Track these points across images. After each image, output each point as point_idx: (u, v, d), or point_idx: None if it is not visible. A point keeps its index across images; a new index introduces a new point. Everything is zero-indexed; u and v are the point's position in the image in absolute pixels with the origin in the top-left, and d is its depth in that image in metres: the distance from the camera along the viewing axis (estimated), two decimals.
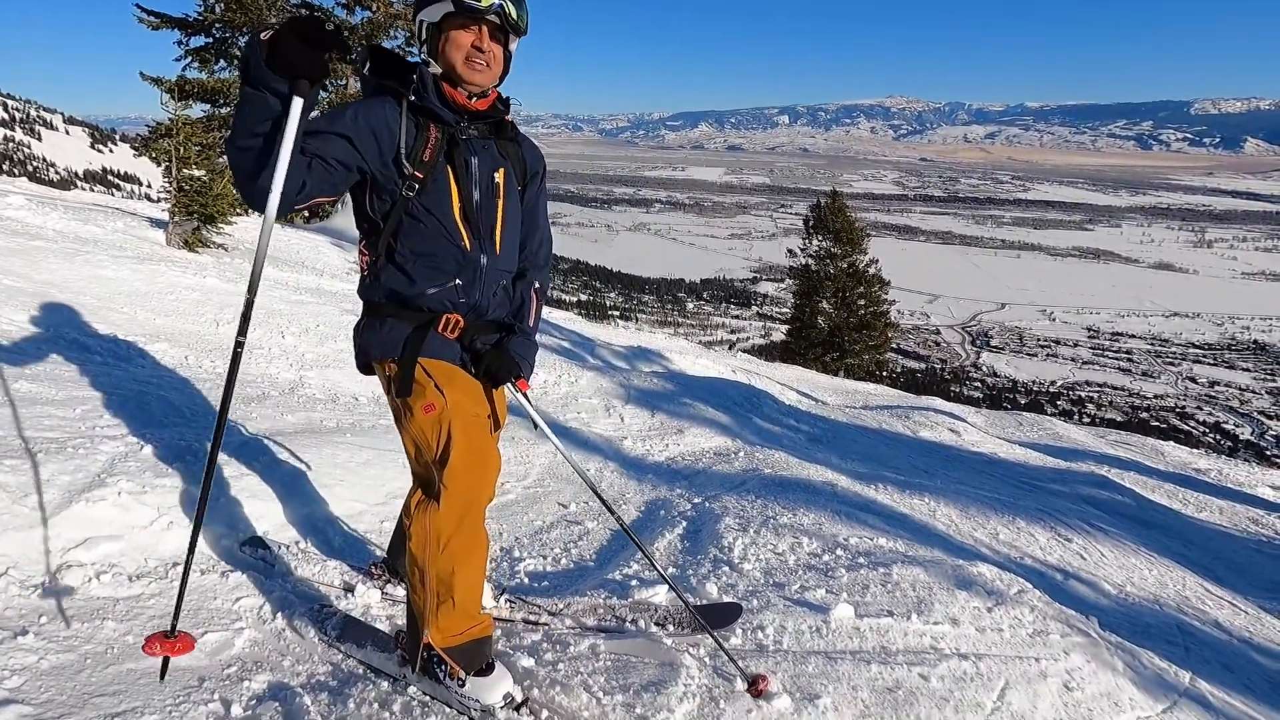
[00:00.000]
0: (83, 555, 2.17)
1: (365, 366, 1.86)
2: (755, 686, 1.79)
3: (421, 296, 1.76)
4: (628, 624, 2.12)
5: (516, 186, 1.89)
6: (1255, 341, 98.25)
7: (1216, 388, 79.83)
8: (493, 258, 1.82)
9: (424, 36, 1.75)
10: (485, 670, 1.73)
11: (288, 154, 1.50)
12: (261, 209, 1.55)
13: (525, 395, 1.91)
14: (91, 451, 2.64)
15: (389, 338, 1.77)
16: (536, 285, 1.99)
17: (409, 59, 1.83)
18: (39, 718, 1.58)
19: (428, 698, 1.78)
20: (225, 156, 1.61)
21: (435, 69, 1.75)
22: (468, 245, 1.77)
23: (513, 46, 1.80)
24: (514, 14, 1.71)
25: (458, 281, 1.77)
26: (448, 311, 1.79)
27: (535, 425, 1.94)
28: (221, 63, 15.70)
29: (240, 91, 1.52)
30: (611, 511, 2.05)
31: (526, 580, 2.69)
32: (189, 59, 15.44)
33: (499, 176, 1.82)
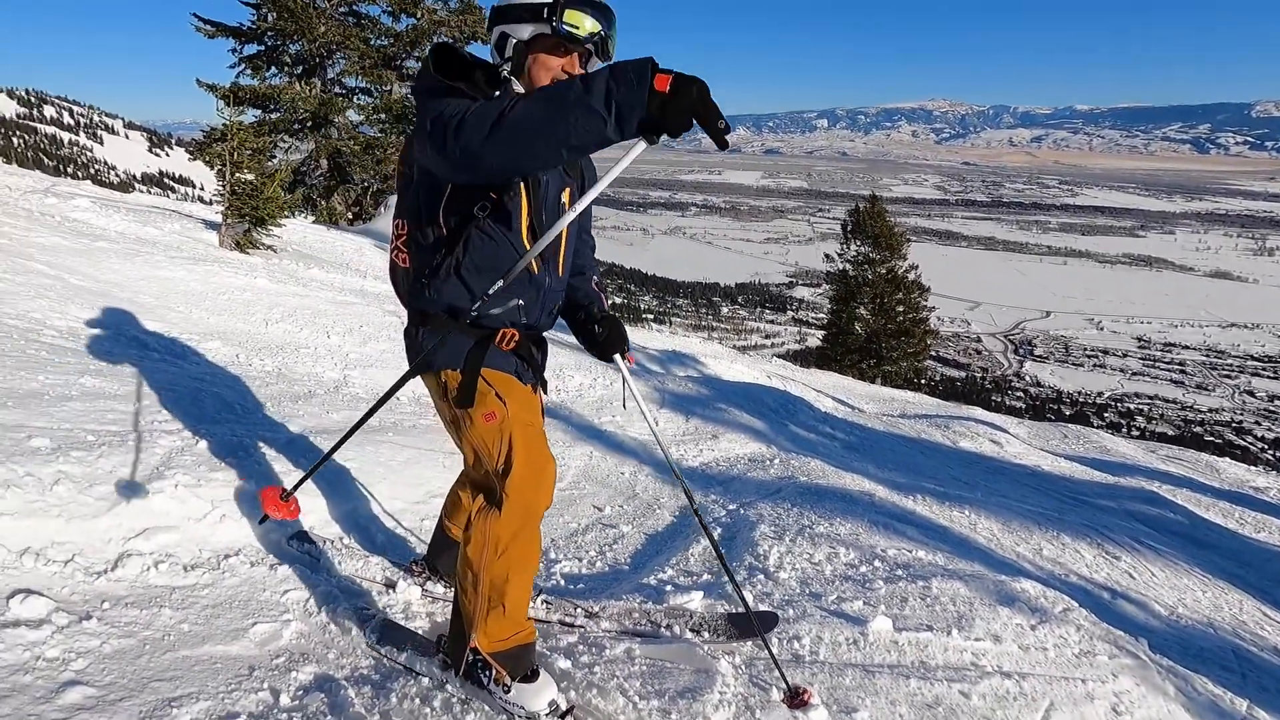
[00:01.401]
0: (142, 545, 2.27)
1: (427, 371, 1.82)
2: (797, 698, 1.78)
3: (484, 316, 1.74)
4: (663, 629, 2.13)
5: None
6: None
7: (1277, 402, 76.24)
8: (555, 279, 1.84)
9: (508, 52, 1.69)
10: (530, 677, 1.75)
11: (603, 188, 1.55)
12: (479, 177, 1.55)
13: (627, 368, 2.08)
14: (150, 445, 2.75)
15: (451, 349, 1.76)
16: (595, 280, 2.17)
17: (475, 58, 1.72)
18: (102, 699, 1.65)
19: (468, 695, 1.81)
20: (502, 129, 1.41)
21: (519, 86, 1.70)
22: (535, 268, 1.76)
23: (591, 68, 1.74)
24: (610, 46, 1.69)
25: (520, 302, 1.76)
26: (506, 328, 1.79)
27: (624, 403, 2.11)
28: (272, 69, 16.25)
29: (584, 100, 1.32)
30: (705, 531, 2.07)
31: (562, 582, 2.72)
32: (242, 66, 16.02)
33: (565, 197, 1.80)
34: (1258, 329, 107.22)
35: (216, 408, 3.44)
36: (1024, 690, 1.90)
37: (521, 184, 1.70)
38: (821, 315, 25.19)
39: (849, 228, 21.51)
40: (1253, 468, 9.32)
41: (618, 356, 2.06)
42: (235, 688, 1.78)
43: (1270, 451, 56.56)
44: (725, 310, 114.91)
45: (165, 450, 2.74)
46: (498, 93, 1.64)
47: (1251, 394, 79.55)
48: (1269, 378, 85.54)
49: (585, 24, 1.64)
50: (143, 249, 6.77)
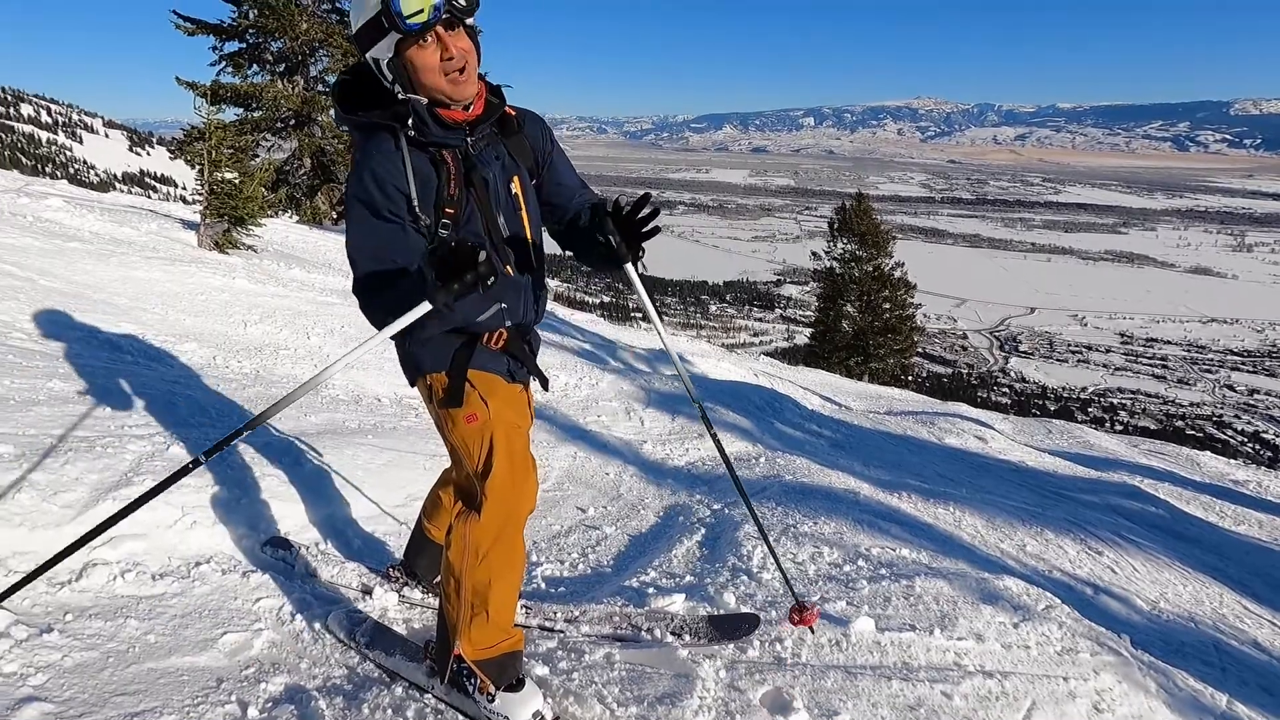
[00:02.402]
0: (108, 554, 2.21)
1: (415, 376, 1.81)
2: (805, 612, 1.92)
3: (469, 325, 1.71)
4: (644, 633, 2.10)
5: (532, 184, 1.81)
6: None
7: (1256, 396, 77.41)
8: (531, 273, 1.79)
9: (391, 76, 1.57)
10: (515, 686, 1.71)
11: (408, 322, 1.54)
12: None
13: (640, 273, 1.76)
14: (120, 450, 2.69)
15: (438, 351, 1.73)
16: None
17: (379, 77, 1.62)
18: (60, 715, 1.60)
19: (443, 705, 1.78)
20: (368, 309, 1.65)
21: (422, 99, 1.59)
22: (509, 270, 1.73)
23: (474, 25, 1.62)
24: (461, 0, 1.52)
25: (503, 305, 1.73)
26: (494, 330, 1.76)
27: (646, 316, 1.90)
28: (254, 67, 16.04)
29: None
30: (756, 522, 2.04)
31: (543, 585, 2.69)
32: (223, 64, 15.80)
33: (515, 186, 1.74)
34: (1237, 324, 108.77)
35: (190, 411, 3.37)
36: (1006, 690, 1.89)
37: (472, 192, 1.64)
38: (809, 313, 25.27)
39: (836, 226, 21.57)
40: (1232, 461, 9.44)
41: (628, 266, 1.70)
42: (202, 701, 1.73)
43: (1250, 445, 57.50)
44: (714, 308, 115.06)
45: (135, 456, 2.68)
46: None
47: (1231, 388, 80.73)
48: (1248, 372, 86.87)
49: (421, 1, 1.47)
50: (117, 249, 6.64)
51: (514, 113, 1.75)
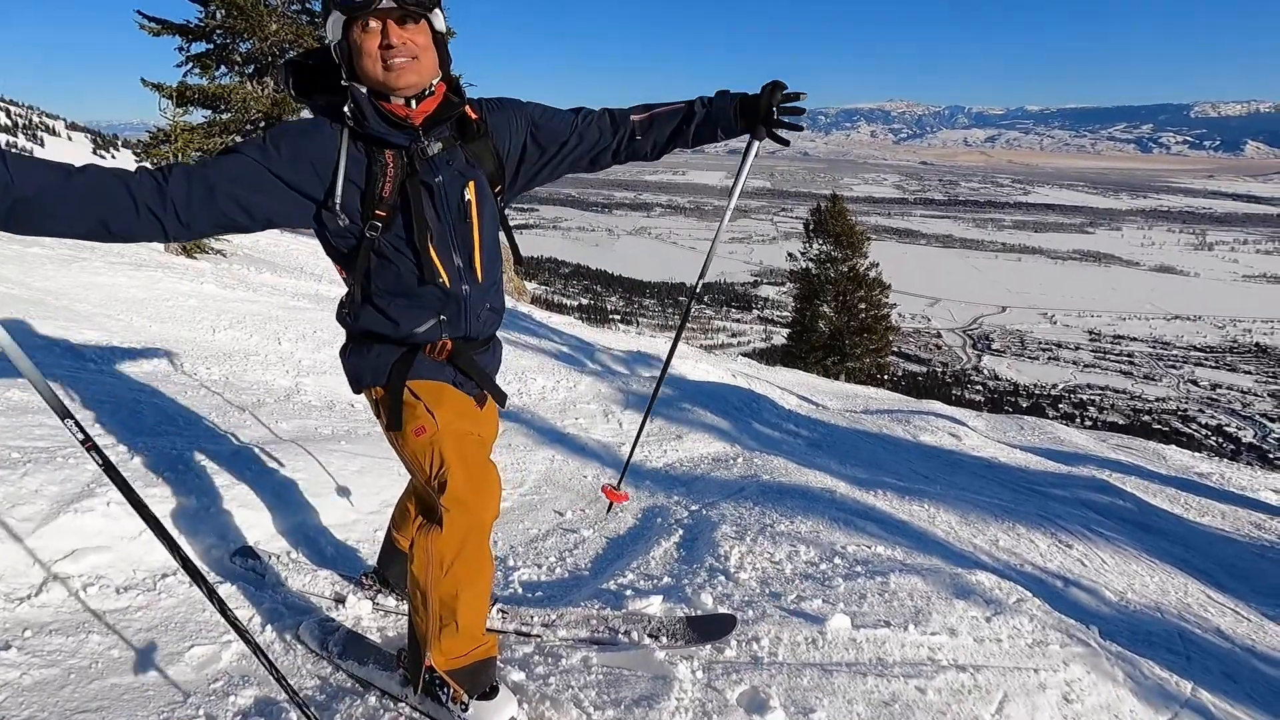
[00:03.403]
0: (70, 567, 2.15)
1: (357, 389, 1.78)
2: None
3: (410, 337, 1.66)
4: (621, 635, 2.09)
5: (491, 193, 1.68)
6: (1257, 344, 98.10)
7: (1218, 390, 79.70)
8: (475, 287, 1.67)
9: (339, 59, 1.51)
10: (489, 694, 1.69)
11: None
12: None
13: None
14: (82, 461, 2.61)
15: (375, 363, 1.68)
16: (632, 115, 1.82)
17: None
18: None
19: (417, 715, 1.75)
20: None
21: (363, 87, 1.51)
22: (447, 281, 1.61)
23: (437, 24, 1.53)
24: None
25: (442, 318, 1.66)
26: (433, 343, 1.70)
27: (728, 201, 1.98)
28: (222, 68, 15.75)
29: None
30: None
31: (520, 590, 2.67)
32: (190, 65, 15.49)
33: (470, 193, 1.62)
34: (1200, 320, 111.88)
35: (156, 420, 3.29)
36: (978, 683, 1.92)
37: (411, 196, 1.54)
38: (786, 313, 25.52)
39: (811, 227, 21.78)
40: (1197, 454, 9.69)
41: (780, 131, 1.79)
42: (168, 716, 1.69)
43: (1213, 438, 59.16)
44: (692, 310, 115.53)
45: (97, 467, 2.60)
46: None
47: (1195, 383, 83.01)
48: (1211, 367, 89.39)
49: None
50: (80, 254, 6.48)
51: (476, 116, 1.64)
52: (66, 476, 2.48)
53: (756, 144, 1.85)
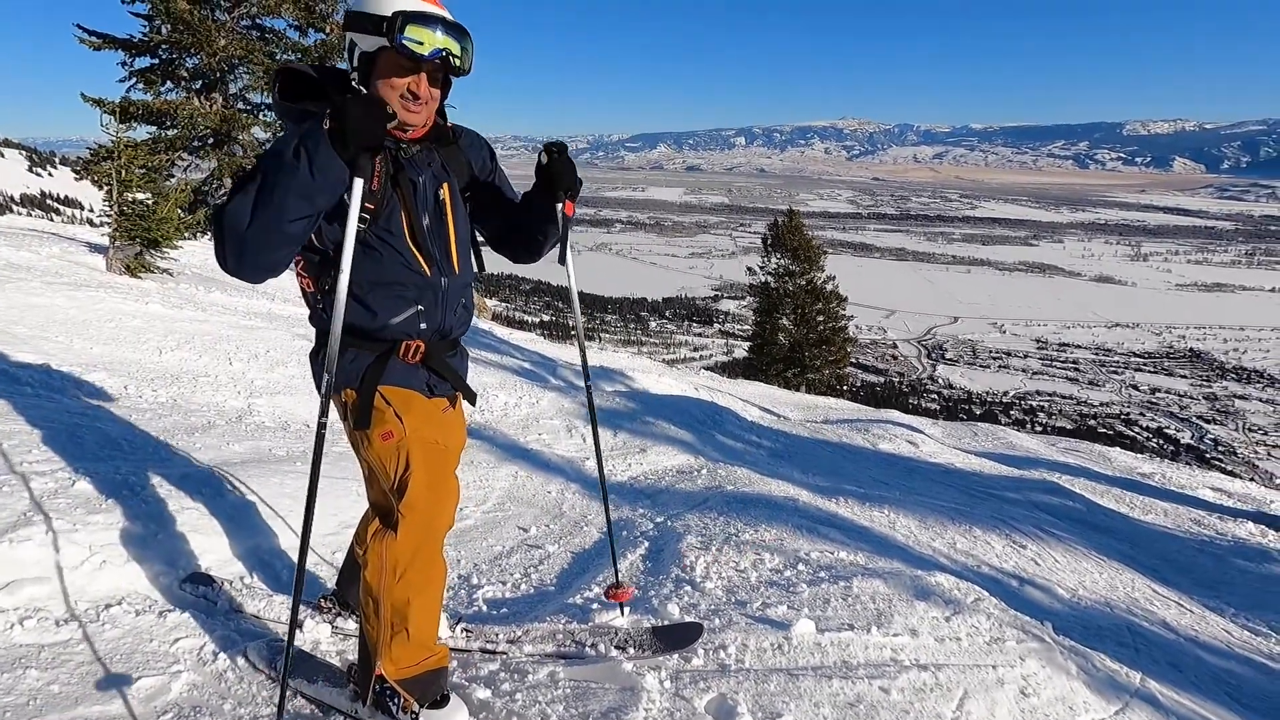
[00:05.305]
0: (4, 600, 2.04)
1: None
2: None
3: (385, 329, 1.69)
4: (588, 649, 2.08)
5: (462, 197, 1.81)
6: (1191, 349, 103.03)
7: (1157, 394, 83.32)
8: (452, 279, 1.76)
9: (355, 61, 1.61)
10: (440, 703, 1.69)
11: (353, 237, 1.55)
12: (258, 281, 1.57)
13: (568, 219, 1.87)
14: (18, 489, 2.49)
15: (349, 367, 1.70)
16: None
17: (328, 70, 1.70)
18: None
19: None
20: (234, 229, 1.48)
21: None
22: (426, 271, 1.70)
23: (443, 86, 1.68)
24: (458, 60, 1.59)
25: (420, 308, 1.71)
26: (410, 339, 1.72)
27: (562, 260, 1.98)
28: (168, 84, 15.32)
29: (285, 174, 1.45)
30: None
31: (485, 608, 2.63)
32: (134, 80, 15.04)
33: (444, 193, 1.74)
34: (1138, 328, 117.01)
35: (99, 444, 3.16)
36: (940, 681, 1.96)
37: (396, 191, 1.66)
38: (747, 327, 25.77)
39: (769, 241, 22.14)
40: (1139, 455, 10.13)
41: (558, 205, 1.82)
42: None
43: (1154, 440, 61.75)
44: (653, 325, 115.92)
45: (35, 493, 2.49)
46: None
47: (1136, 388, 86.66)
48: (1150, 372, 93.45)
49: (430, 40, 1.53)
50: (15, 275, 6.20)
51: (450, 126, 1.79)
52: (1, 504, 2.36)
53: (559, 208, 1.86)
